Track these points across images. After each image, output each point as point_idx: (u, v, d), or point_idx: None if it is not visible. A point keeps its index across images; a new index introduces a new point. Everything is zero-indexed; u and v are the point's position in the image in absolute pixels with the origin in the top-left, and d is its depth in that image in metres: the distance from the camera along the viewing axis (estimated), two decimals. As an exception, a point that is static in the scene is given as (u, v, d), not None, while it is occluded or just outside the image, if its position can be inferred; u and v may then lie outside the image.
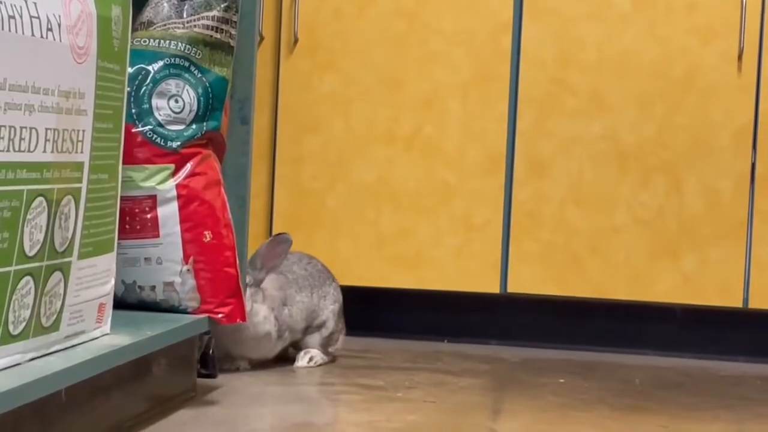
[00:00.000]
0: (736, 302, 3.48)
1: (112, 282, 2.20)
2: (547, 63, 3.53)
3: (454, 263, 3.56)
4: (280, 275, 3.06)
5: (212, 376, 2.82)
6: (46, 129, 1.86)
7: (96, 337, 2.16)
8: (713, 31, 3.47)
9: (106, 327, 2.21)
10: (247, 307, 2.66)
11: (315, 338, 3.12)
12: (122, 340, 2.18)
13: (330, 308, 3.15)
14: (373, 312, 3.67)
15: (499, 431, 2.55)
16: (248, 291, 2.84)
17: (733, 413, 2.82)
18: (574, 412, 2.73)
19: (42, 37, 1.83)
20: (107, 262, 2.17)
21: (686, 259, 3.48)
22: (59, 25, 1.88)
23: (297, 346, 3.13)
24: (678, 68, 3.48)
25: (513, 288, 3.55)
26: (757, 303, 3.47)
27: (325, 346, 3.14)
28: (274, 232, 3.61)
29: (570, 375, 3.17)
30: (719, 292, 3.47)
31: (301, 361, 3.10)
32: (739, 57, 3.47)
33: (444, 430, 2.50)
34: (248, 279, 2.86)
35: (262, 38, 3.61)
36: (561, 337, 3.62)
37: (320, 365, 3.10)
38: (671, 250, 3.48)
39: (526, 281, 3.54)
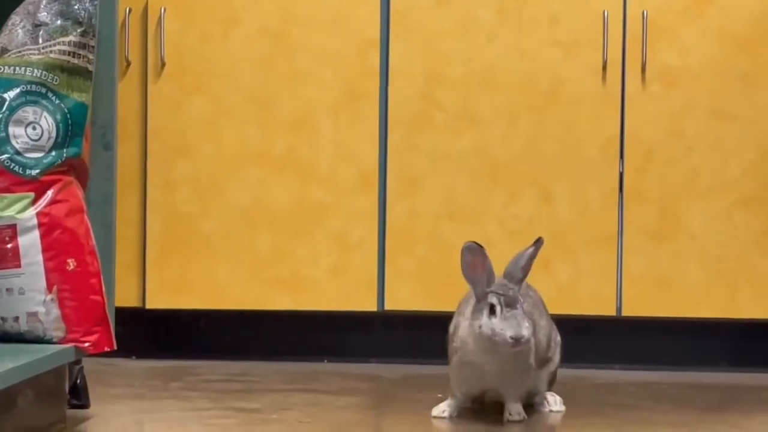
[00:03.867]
0: (610, 311, 3.52)
1: (-31, 314, 2.16)
2: (415, 79, 3.54)
3: (331, 283, 3.55)
4: (527, 297, 2.81)
5: (84, 406, 2.77)
6: None
7: (-46, 371, 2.11)
8: (577, 44, 3.52)
9: (-35, 360, 2.16)
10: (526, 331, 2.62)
11: (544, 374, 2.90)
12: (-19, 373, 2.13)
13: (557, 340, 2.94)
14: (251, 335, 3.65)
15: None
16: (520, 309, 2.65)
17: (607, 419, 2.85)
18: (450, 426, 2.73)
19: None
20: (-37, 293, 2.12)
21: (559, 270, 3.52)
22: None
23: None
24: (544, 81, 3.52)
25: (390, 305, 3.55)
26: (630, 311, 3.51)
27: (550, 384, 2.94)
28: (149, 259, 3.57)
29: (448, 390, 3.17)
30: (593, 301, 3.51)
31: (556, 405, 2.91)
32: (604, 68, 3.52)
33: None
34: (511, 296, 2.67)
35: (128, 63, 3.58)
36: (439, 352, 3.61)
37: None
38: (544, 261, 3.51)
39: (403, 298, 3.55)
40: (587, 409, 2.95)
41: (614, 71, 3.51)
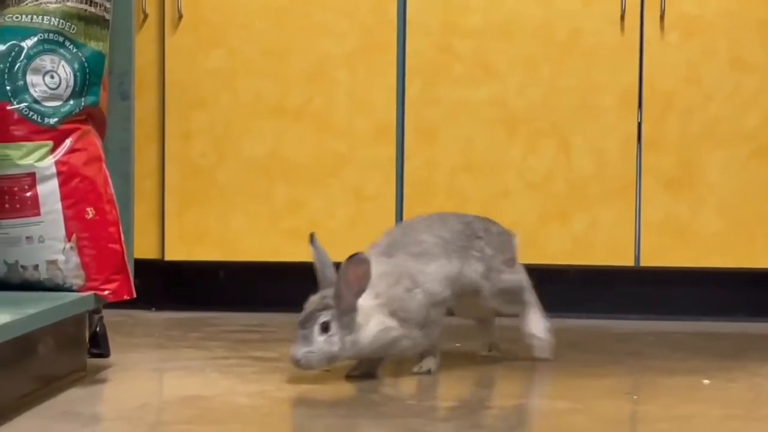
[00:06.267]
0: (628, 261, 3.52)
1: (-10, 260, 2.17)
2: (432, 30, 3.53)
3: (348, 234, 3.56)
4: (396, 256, 2.66)
5: (104, 355, 2.79)
6: None
7: (-25, 317, 2.13)
8: (595, -7, 3.50)
9: (-14, 307, 2.17)
10: (335, 347, 2.52)
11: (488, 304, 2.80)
12: (2, 318, 2.14)
13: (480, 271, 2.76)
14: (268, 286, 3.66)
15: (390, 394, 2.55)
16: (335, 326, 2.54)
17: (625, 367, 2.86)
18: (467, 373, 2.74)
19: None
20: (-17, 240, 2.13)
21: (576, 220, 3.52)
22: None
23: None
24: (562, 31, 3.51)
25: (408, 256, 3.55)
26: (648, 261, 3.51)
27: (513, 303, 2.84)
28: (167, 211, 3.58)
29: (465, 340, 3.18)
30: (610, 251, 3.51)
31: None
32: (622, 18, 3.50)
33: (335, 397, 2.50)
34: (329, 315, 2.55)
35: (146, 16, 3.58)
36: (457, 303, 3.63)
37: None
38: (561, 212, 3.52)
39: (420, 249, 3.54)
40: (605, 358, 2.96)
41: (632, 20, 3.50)
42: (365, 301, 2.58)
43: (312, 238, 2.67)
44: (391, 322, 2.60)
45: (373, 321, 2.58)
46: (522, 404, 2.44)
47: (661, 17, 3.48)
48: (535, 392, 2.58)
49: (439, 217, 2.80)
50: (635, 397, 2.59)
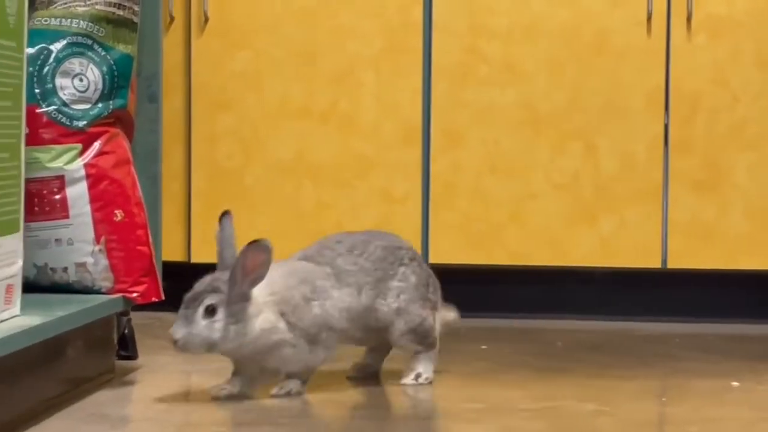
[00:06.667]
0: (655, 263, 3.51)
1: (20, 263, 2.18)
2: (458, 32, 3.53)
3: (375, 236, 3.55)
4: (309, 265, 2.51)
5: (132, 357, 2.80)
6: (-59, 107, 1.83)
7: (5, 319, 2.14)
8: (621, -5, 3.50)
9: (16, 309, 2.18)
10: (216, 334, 2.34)
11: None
12: (32, 320, 2.15)
13: (394, 307, 2.56)
14: (295, 288, 3.66)
15: (419, 396, 2.55)
16: (222, 312, 2.35)
17: (652, 370, 2.85)
18: (496, 375, 2.74)
19: (-69, 13, 1.80)
20: (12, 242, 2.14)
21: (604, 222, 3.51)
22: (-51, 2, 1.85)
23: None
24: (588, 32, 3.50)
25: (434, 258, 3.55)
26: (675, 263, 3.50)
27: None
28: (194, 213, 3.59)
29: (493, 341, 3.18)
30: (638, 253, 3.50)
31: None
32: (648, 19, 3.49)
33: (364, 399, 2.50)
34: (216, 299, 2.36)
35: (172, 19, 3.59)
36: (483, 305, 3.63)
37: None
38: (588, 214, 3.51)
39: (446, 251, 3.55)
40: (633, 360, 2.95)
41: (659, 22, 3.49)
42: (259, 295, 2.40)
43: (223, 215, 2.50)
44: (280, 323, 2.41)
45: (261, 317, 2.39)
46: (550, 406, 2.43)
47: (688, 18, 3.47)
48: (562, 394, 2.57)
49: (362, 240, 2.58)
50: (664, 399, 2.58)
